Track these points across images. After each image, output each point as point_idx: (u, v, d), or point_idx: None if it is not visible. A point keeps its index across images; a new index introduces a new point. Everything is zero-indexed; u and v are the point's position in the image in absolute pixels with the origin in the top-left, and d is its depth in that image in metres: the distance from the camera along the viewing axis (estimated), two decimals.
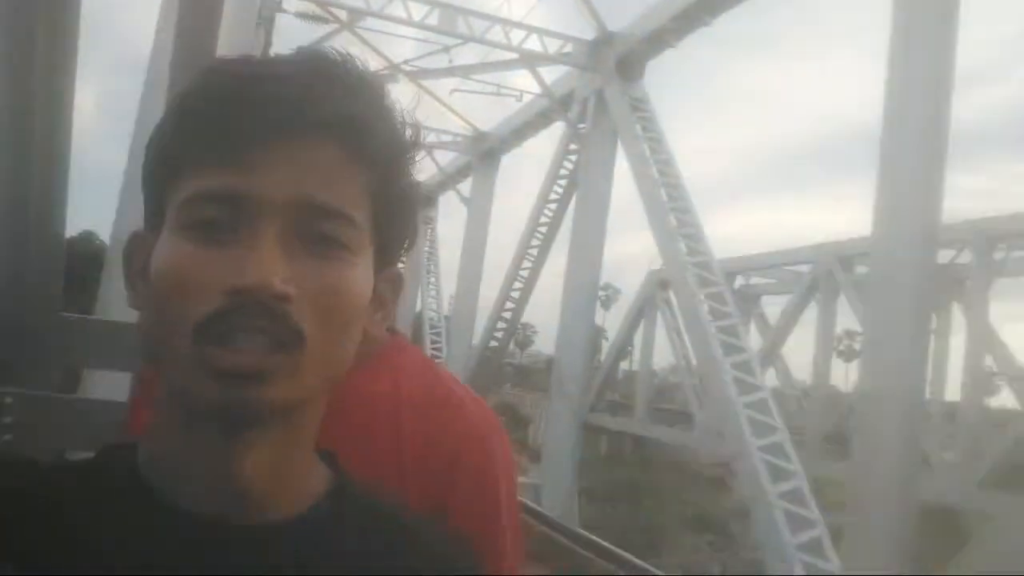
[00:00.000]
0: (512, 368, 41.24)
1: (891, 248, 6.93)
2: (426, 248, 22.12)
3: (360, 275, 0.58)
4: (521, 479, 14.77)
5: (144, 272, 0.58)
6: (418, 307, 21.50)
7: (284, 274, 0.52)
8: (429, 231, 22.91)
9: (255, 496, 0.57)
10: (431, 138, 19.83)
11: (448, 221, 27.27)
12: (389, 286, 0.64)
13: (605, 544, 7.95)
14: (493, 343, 14.65)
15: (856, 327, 25.11)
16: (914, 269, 6.70)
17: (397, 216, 0.61)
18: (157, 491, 0.58)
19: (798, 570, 7.08)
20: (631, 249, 33.59)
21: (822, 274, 18.78)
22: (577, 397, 11.28)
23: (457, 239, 18.56)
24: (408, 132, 0.62)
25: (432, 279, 21.42)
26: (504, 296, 14.17)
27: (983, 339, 15.52)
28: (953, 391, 19.44)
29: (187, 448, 0.57)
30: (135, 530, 0.56)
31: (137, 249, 0.60)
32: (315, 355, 0.54)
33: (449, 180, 20.52)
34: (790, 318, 19.98)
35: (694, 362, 22.48)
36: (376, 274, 0.61)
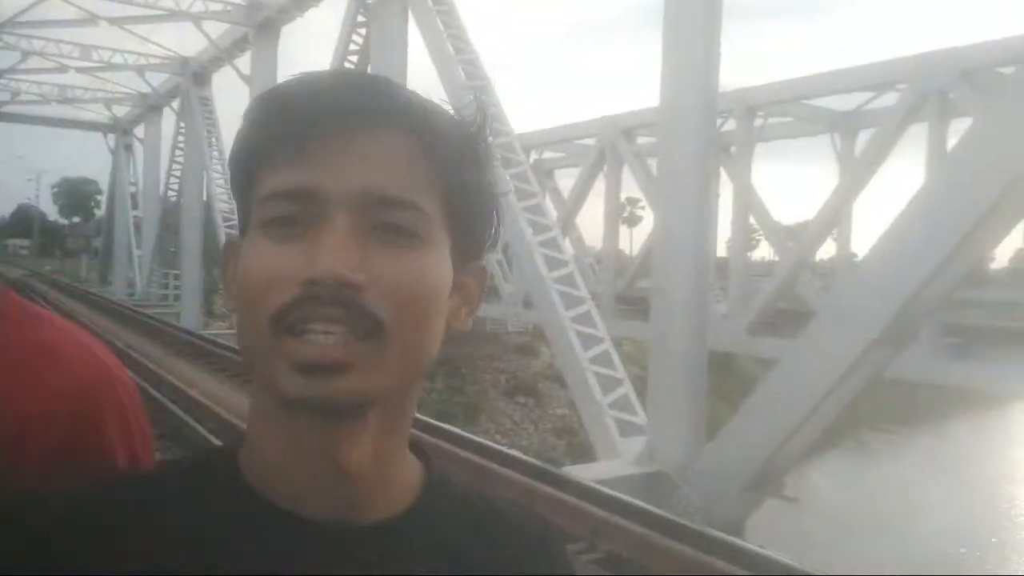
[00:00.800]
0: None
1: (676, 117, 7.42)
2: (204, 132, 20.56)
3: (435, 264, 0.58)
4: None
5: (236, 275, 0.59)
6: (204, 196, 20.24)
7: (355, 264, 0.53)
8: (206, 112, 21.22)
9: (359, 493, 0.58)
10: (197, 7, 17.99)
11: (227, 99, 25.20)
12: (473, 279, 0.64)
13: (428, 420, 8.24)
14: None
15: (638, 195, 27.13)
16: (697, 135, 7.27)
17: (472, 207, 0.61)
18: (261, 493, 0.58)
19: (611, 426, 7.76)
20: None
21: (607, 146, 19.73)
22: None
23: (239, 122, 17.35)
24: (474, 127, 0.61)
25: (218, 166, 19.98)
26: None
27: (746, 199, 17.24)
28: (722, 248, 21.78)
29: (288, 447, 0.57)
30: (240, 536, 0.56)
31: (231, 255, 0.61)
32: (395, 344, 0.54)
33: (224, 55, 18.84)
34: (581, 190, 20.97)
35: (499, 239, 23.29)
36: (458, 267, 0.61)
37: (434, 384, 19.73)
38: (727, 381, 17.31)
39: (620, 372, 8.36)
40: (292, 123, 0.56)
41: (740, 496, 6.76)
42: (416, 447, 0.65)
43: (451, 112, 0.61)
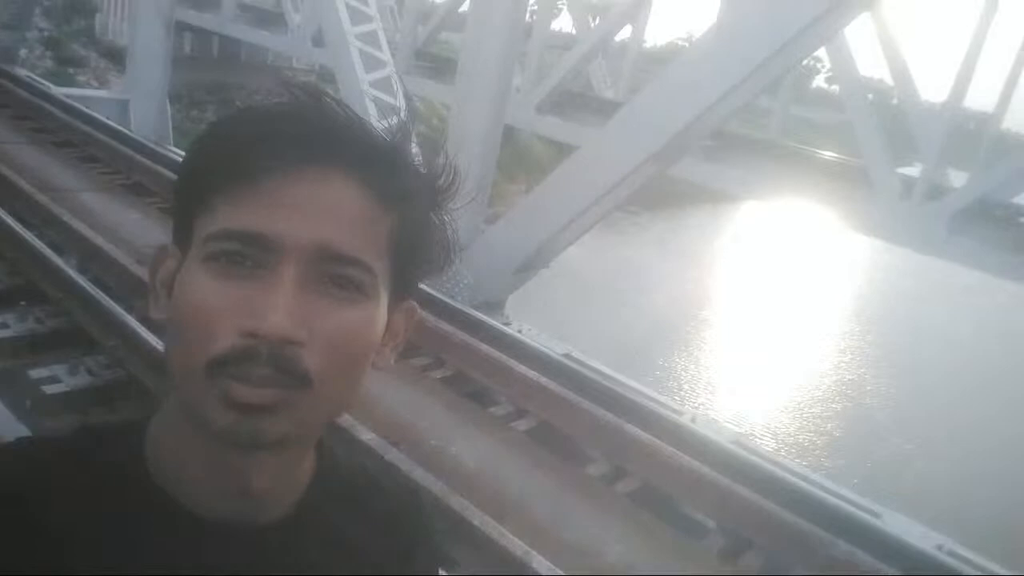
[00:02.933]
0: None
1: None
2: None
3: (373, 319, 0.60)
4: (104, 92, 13.01)
5: (168, 288, 0.60)
6: None
7: (297, 319, 0.54)
8: None
9: (261, 502, 0.62)
10: None
11: None
12: (403, 318, 0.66)
13: None
14: None
15: None
16: None
17: (418, 255, 0.63)
18: (163, 488, 0.61)
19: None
20: None
21: None
22: None
23: None
24: (433, 177, 0.63)
25: None
26: None
27: None
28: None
29: (197, 459, 0.60)
30: (138, 529, 0.58)
31: (162, 263, 0.62)
32: (322, 394, 0.57)
33: None
34: None
35: None
36: (391, 308, 0.63)
37: (203, 112, 18.22)
38: (507, 156, 17.85)
39: (400, 100, 8.21)
40: (254, 160, 0.55)
41: (510, 277, 7.29)
42: None
43: (412, 161, 0.61)
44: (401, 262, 0.61)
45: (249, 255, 0.55)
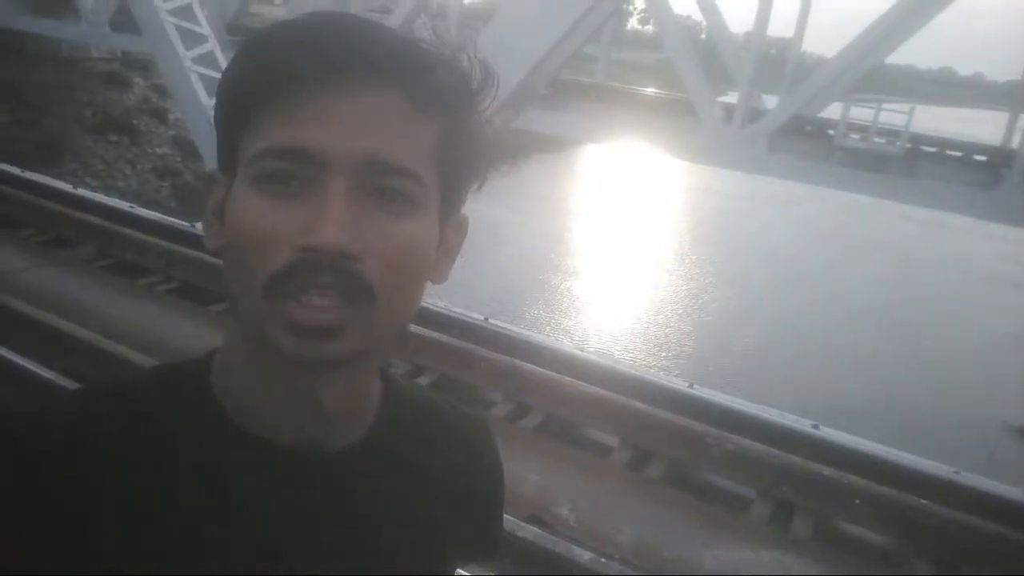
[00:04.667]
0: None
1: None
2: None
3: (427, 228, 0.59)
4: None
5: (220, 215, 0.59)
6: None
7: (352, 232, 0.53)
8: None
9: (330, 426, 0.63)
10: None
11: None
12: (454, 232, 0.65)
13: None
14: None
15: None
16: None
17: (464, 165, 0.62)
18: (232, 418, 0.60)
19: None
20: None
21: None
22: None
23: None
24: (476, 78, 0.60)
25: None
26: None
27: None
28: None
29: (265, 383, 0.60)
30: (210, 458, 0.58)
31: (213, 191, 0.61)
32: (384, 308, 0.56)
33: None
34: None
35: None
36: (442, 221, 0.62)
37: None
38: None
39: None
40: (292, 74, 0.53)
41: None
42: None
43: (456, 64, 0.59)
44: (449, 173, 0.60)
45: (296, 172, 0.54)
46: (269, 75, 0.54)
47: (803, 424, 4.34)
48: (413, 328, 5.01)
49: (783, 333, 14.94)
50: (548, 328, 13.42)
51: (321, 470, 0.61)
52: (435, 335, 4.94)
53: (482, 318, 5.39)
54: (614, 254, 19.04)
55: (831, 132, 10.17)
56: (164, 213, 7.02)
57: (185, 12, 8.02)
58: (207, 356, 0.64)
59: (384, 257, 0.55)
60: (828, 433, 4.28)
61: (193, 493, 0.56)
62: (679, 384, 4.75)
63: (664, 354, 14.02)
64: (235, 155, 0.57)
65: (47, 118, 17.29)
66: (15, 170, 7.57)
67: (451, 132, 0.59)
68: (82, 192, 7.02)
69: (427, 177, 0.57)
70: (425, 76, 0.56)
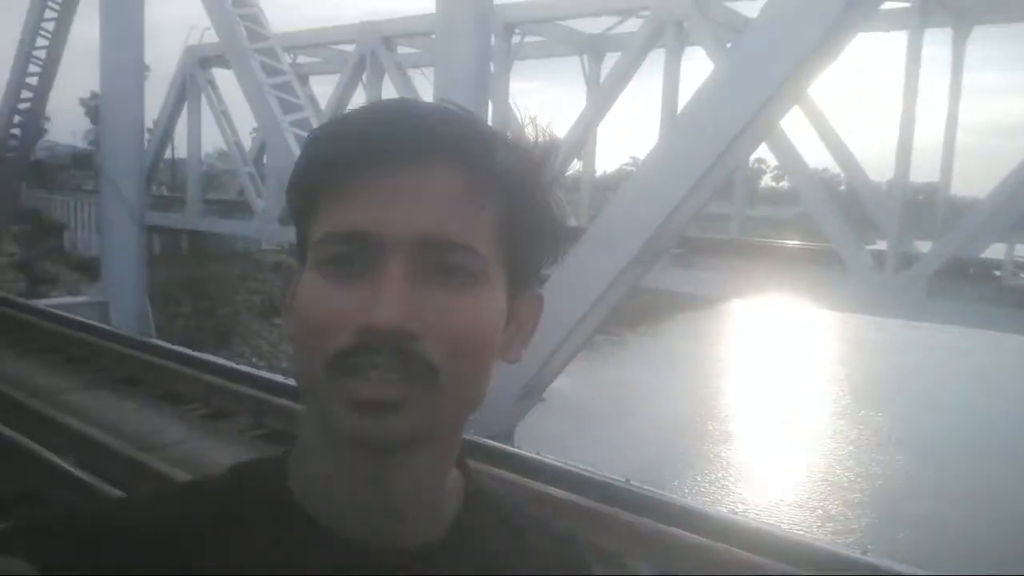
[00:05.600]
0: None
1: (452, 29, 7.45)
2: None
3: (490, 304, 0.58)
4: (82, 298, 13.14)
5: (292, 305, 0.59)
6: None
7: (412, 311, 0.53)
8: None
9: (404, 518, 0.60)
10: None
11: None
12: (528, 309, 0.63)
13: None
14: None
15: None
16: (472, 47, 7.38)
17: (530, 241, 0.61)
18: (306, 510, 0.59)
19: None
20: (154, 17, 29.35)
21: (367, 54, 19.03)
22: (135, 198, 10.15)
23: None
24: (538, 155, 0.60)
25: None
26: (18, 82, 11.57)
27: (504, 114, 17.68)
28: None
29: (338, 471, 0.59)
30: (283, 551, 0.57)
31: (288, 280, 0.62)
32: (449, 386, 0.55)
33: None
34: (340, 98, 20.13)
35: (247, 147, 21.71)
36: (512, 299, 0.61)
37: (180, 308, 18.36)
38: None
39: None
40: (346, 162, 0.55)
41: (511, 407, 7.28)
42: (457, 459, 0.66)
43: (510, 139, 0.60)
44: (514, 247, 0.59)
45: (354, 254, 0.55)
46: (327, 163, 0.56)
47: None
48: (547, 488, 4.82)
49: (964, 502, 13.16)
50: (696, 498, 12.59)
51: (391, 568, 0.59)
52: (573, 497, 4.71)
53: (623, 479, 5.10)
54: (766, 416, 17.94)
55: (997, 273, 9.42)
56: None
57: None
58: (285, 453, 0.64)
59: (445, 334, 0.54)
60: None
61: None
62: (853, 553, 4.19)
63: (831, 526, 12.72)
64: (305, 243, 0.59)
65: (222, 307, 19.22)
66: (183, 349, 8.26)
67: (514, 208, 0.58)
68: (241, 367, 7.51)
69: (487, 252, 0.57)
70: (480, 154, 0.57)
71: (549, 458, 5.53)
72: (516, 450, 5.77)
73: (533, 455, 5.60)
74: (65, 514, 0.58)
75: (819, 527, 12.57)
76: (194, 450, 5.84)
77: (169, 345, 8.67)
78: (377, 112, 0.57)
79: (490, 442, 5.84)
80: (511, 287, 0.60)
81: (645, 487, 5.07)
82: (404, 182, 0.55)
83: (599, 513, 4.59)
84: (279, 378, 7.69)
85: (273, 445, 6.16)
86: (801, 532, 4.51)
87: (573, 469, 5.13)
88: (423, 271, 0.54)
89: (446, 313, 0.55)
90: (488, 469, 5.11)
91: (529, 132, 0.61)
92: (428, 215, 0.55)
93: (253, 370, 7.60)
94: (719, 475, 15.04)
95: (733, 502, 13.38)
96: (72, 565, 0.54)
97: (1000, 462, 15.06)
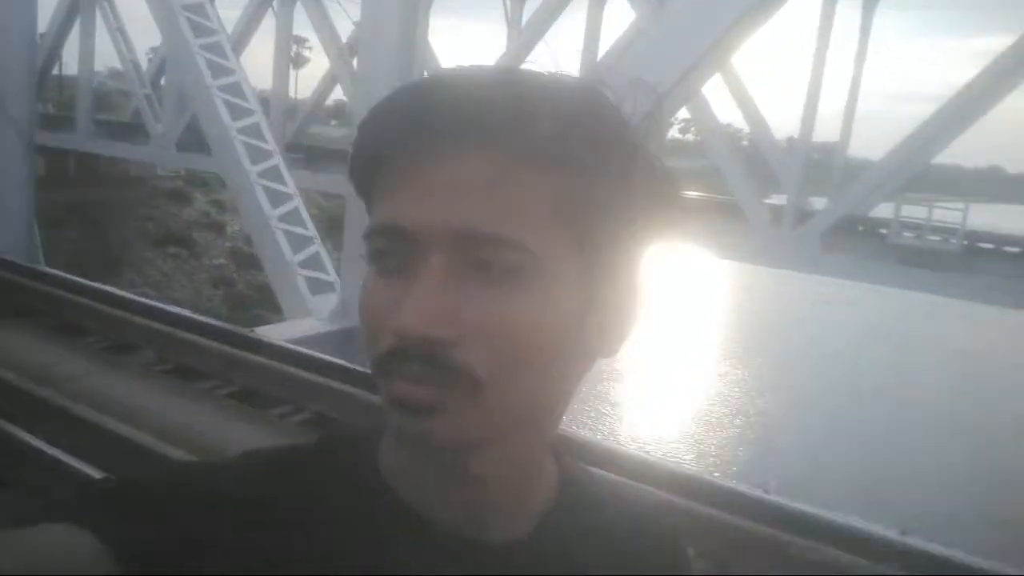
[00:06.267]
0: None
1: None
2: None
3: (547, 301, 0.50)
4: None
5: None
6: None
7: (444, 315, 0.48)
8: None
9: (490, 503, 0.57)
10: None
11: None
12: (622, 296, 0.55)
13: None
14: None
15: (305, 34, 24.99)
16: None
17: (605, 216, 0.51)
18: (396, 492, 0.57)
19: (302, 285, 7.66)
20: None
21: None
22: (24, 115, 9.37)
23: None
24: (591, 109, 0.51)
25: None
26: None
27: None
28: None
29: (417, 463, 0.56)
30: (371, 530, 0.55)
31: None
32: (497, 396, 0.50)
33: None
34: (245, 27, 19.06)
35: (144, 67, 20.30)
36: (599, 282, 0.53)
37: (64, 232, 17.27)
38: None
39: (311, 230, 8.22)
40: (386, 150, 0.51)
41: None
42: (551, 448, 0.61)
43: (561, 102, 0.50)
44: (584, 228, 0.51)
45: (393, 249, 0.50)
46: (367, 155, 0.52)
47: (891, 531, 4.04)
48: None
49: (846, 440, 14.33)
50: (590, 430, 13.12)
51: (478, 559, 0.56)
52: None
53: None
54: (657, 358, 18.73)
55: (883, 231, 10.04)
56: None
57: (253, 130, 8.48)
58: (375, 431, 0.61)
59: (489, 338, 0.48)
60: (918, 541, 3.97)
61: (345, 556, 0.53)
62: (756, 491, 4.48)
63: (710, 460, 13.54)
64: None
65: (112, 232, 18.18)
66: (80, 279, 7.84)
67: (575, 183, 0.50)
68: (144, 300, 7.20)
69: (540, 241, 0.49)
70: (523, 126, 0.48)
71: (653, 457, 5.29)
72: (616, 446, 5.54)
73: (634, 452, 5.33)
74: (129, 481, 0.55)
75: (697, 460, 13.37)
76: (98, 385, 5.60)
77: (63, 274, 8.19)
78: (413, 89, 0.51)
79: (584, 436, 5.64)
80: (589, 274, 0.52)
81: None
82: (440, 167, 0.49)
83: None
84: (184, 311, 7.42)
85: (179, 381, 5.99)
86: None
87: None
88: (463, 269, 0.49)
89: (489, 315, 0.49)
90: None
91: (583, 96, 0.51)
92: (464, 206, 0.48)
93: (155, 303, 7.28)
94: (606, 411, 15.67)
95: (617, 436, 14.00)
96: (147, 539, 0.49)
97: (870, 403, 16.39)
